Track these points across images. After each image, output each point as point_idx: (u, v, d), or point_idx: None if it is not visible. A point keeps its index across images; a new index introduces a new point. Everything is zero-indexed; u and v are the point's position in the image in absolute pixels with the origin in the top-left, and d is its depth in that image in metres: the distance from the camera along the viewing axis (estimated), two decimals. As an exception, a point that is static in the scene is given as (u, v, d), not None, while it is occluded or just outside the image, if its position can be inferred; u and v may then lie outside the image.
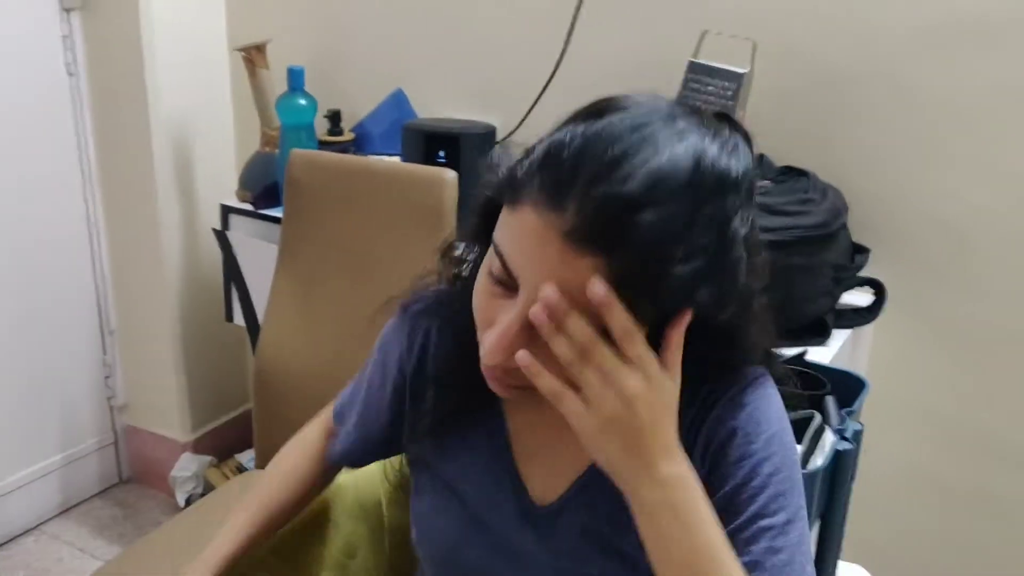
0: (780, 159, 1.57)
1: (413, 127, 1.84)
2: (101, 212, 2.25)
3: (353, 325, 1.71)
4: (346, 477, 1.11)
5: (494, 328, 0.69)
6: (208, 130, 2.25)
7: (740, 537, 0.72)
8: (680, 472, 0.68)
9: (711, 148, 0.67)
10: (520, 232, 0.66)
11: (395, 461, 1.07)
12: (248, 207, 2.04)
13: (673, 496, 0.68)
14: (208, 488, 2.30)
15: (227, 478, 2.29)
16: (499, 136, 1.85)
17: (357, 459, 1.03)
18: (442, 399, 0.87)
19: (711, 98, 1.46)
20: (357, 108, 2.09)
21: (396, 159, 1.87)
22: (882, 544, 1.74)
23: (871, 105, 1.58)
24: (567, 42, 1.78)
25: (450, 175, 1.57)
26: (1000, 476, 1.64)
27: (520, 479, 0.85)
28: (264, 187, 2.03)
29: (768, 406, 0.77)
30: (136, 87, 2.08)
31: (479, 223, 0.77)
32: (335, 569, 1.09)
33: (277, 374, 1.78)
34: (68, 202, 2.20)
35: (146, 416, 2.42)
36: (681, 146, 0.65)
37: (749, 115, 1.53)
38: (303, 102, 1.92)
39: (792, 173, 1.54)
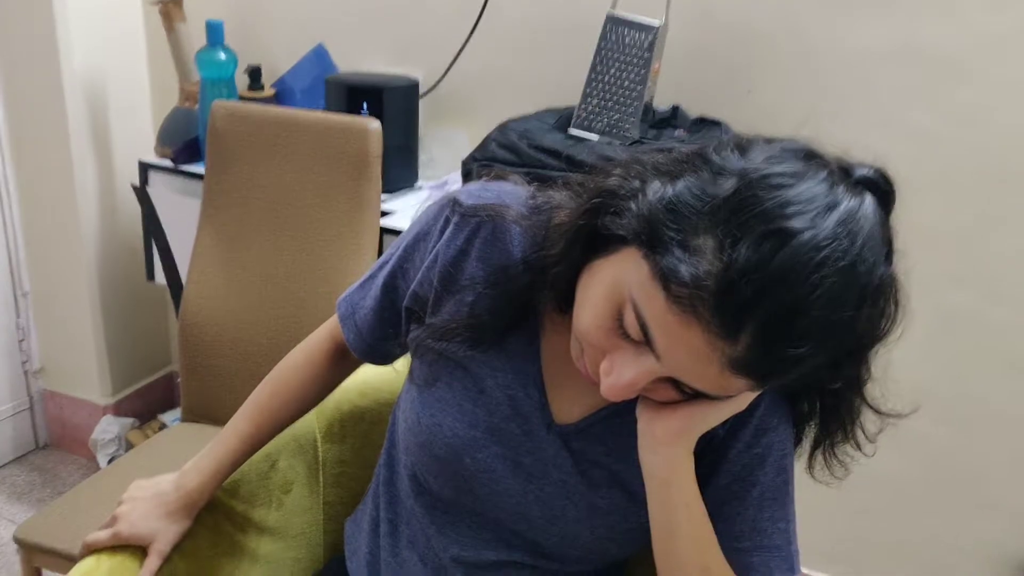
0: (693, 110, 1.64)
1: (336, 80, 1.85)
2: (11, 170, 2.19)
3: (278, 275, 1.73)
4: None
5: (619, 375, 0.71)
6: (123, 85, 2.20)
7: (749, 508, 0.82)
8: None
9: (879, 275, 0.65)
10: (681, 341, 0.65)
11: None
12: (168, 163, 2.02)
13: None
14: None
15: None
16: (422, 89, 1.87)
17: (377, 356, 0.99)
18: (488, 308, 0.83)
19: (628, 50, 1.51)
20: (277, 64, 2.08)
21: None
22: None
23: (779, 60, 1.65)
24: (488, -4, 1.80)
25: (374, 124, 1.58)
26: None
27: (546, 395, 0.86)
28: (184, 143, 2.00)
29: (782, 401, 0.84)
30: (47, 41, 2.02)
31: (587, 224, 0.73)
32: (271, 505, 1.11)
33: (203, 329, 1.78)
34: (-25, 160, 2.13)
35: (64, 380, 2.38)
36: (855, 289, 0.64)
37: (664, 67, 1.59)
38: (223, 56, 1.90)
39: (705, 123, 1.60)
